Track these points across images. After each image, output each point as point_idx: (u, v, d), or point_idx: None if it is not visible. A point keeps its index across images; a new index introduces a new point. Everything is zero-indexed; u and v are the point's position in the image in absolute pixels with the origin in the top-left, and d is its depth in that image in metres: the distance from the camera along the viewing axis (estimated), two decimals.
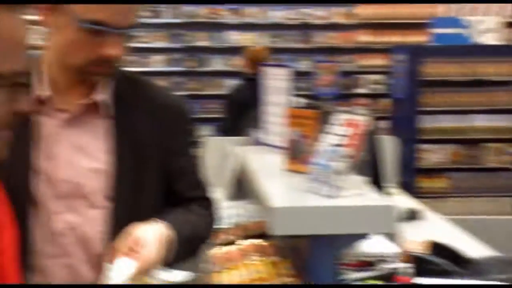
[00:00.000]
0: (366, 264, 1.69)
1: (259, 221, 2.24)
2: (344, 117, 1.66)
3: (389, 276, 1.59)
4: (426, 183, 5.81)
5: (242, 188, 2.66)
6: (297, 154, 1.88)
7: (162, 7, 7.48)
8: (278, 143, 2.19)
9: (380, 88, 7.59)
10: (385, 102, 7.22)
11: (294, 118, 1.90)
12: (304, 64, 7.54)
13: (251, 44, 6.76)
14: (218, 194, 3.05)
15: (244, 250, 1.93)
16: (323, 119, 1.77)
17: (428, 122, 5.83)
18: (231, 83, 6.70)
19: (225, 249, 2.00)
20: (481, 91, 5.90)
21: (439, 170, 5.92)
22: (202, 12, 7.62)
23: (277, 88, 2.33)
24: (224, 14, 7.65)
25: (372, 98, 7.62)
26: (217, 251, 2.00)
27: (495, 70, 5.84)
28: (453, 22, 6.24)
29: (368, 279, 1.59)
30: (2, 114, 0.74)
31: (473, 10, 6.96)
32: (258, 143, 2.53)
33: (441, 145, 5.88)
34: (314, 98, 6.25)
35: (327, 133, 1.67)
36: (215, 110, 7.09)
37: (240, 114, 4.70)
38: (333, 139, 1.63)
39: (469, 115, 5.87)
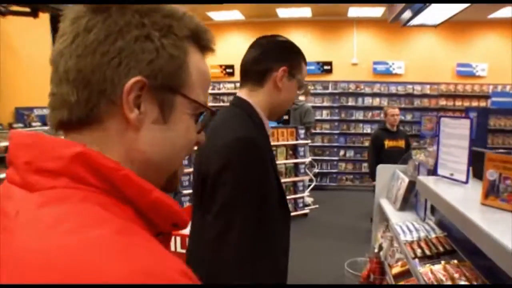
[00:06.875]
0: None
1: (439, 236, 2.10)
2: None
3: None
4: None
5: (408, 202, 2.86)
6: (495, 192, 1.57)
7: (327, 85, 9.31)
8: (460, 178, 1.90)
9: None
10: None
11: (493, 161, 1.60)
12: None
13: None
14: (387, 204, 3.10)
15: (449, 271, 1.59)
16: None
17: None
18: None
19: (434, 267, 1.70)
20: None
21: None
22: (351, 86, 9.17)
23: (458, 135, 2.01)
24: (363, 87, 9.18)
25: None
26: (426, 269, 1.69)
27: None
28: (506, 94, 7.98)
29: None
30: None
31: None
32: (432, 174, 2.20)
33: None
34: None
35: None
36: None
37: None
38: None
39: None
